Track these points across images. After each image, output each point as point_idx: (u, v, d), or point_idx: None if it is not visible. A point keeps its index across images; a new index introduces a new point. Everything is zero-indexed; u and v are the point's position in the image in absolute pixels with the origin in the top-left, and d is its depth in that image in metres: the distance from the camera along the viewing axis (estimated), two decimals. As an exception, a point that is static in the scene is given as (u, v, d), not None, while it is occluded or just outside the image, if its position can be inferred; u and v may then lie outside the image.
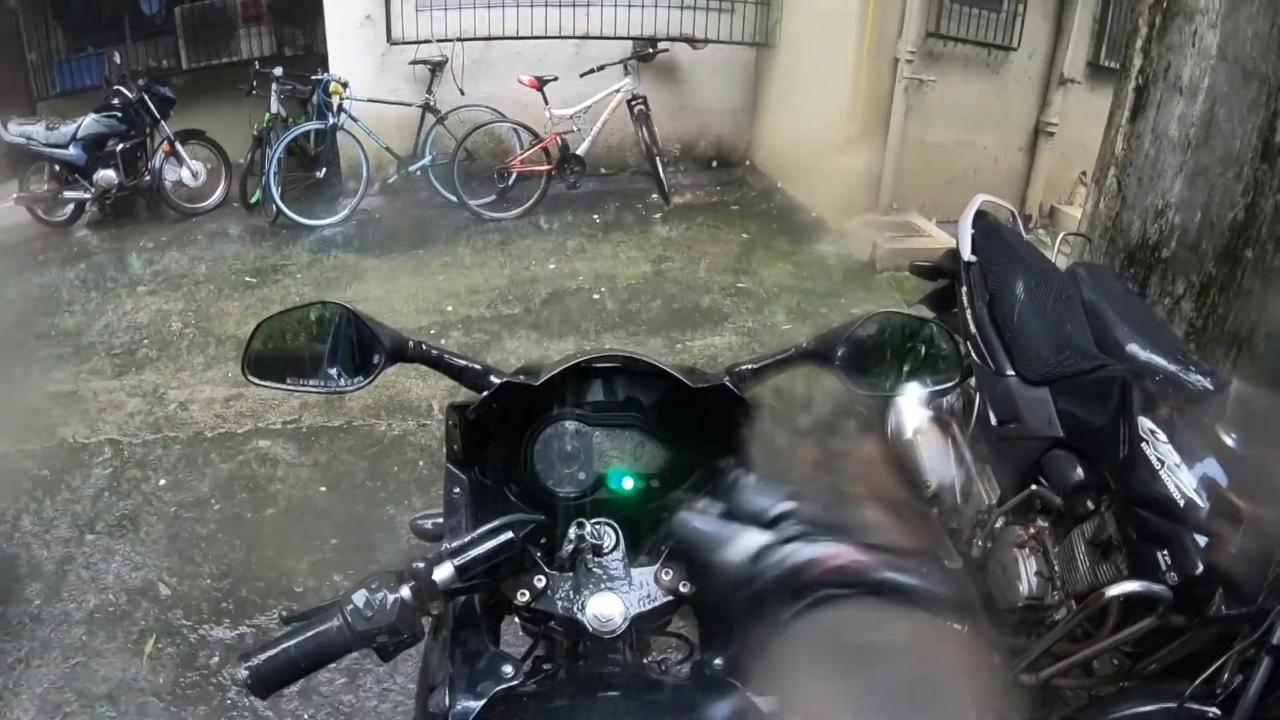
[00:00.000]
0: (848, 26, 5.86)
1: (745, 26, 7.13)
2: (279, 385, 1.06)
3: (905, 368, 1.11)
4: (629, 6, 6.84)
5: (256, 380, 1.05)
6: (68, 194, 6.57)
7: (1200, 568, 1.55)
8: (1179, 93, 2.81)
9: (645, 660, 1.01)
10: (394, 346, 1.05)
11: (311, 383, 1.05)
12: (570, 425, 1.09)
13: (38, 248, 6.40)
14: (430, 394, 3.99)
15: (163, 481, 3.54)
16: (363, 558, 3.01)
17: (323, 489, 3.49)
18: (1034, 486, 2.02)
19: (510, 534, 0.89)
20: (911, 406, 2.48)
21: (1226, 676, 1.55)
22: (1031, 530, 2.01)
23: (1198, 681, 1.53)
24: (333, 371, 1.05)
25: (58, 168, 6.50)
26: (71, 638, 2.76)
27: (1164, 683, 1.68)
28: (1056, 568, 1.93)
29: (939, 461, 2.39)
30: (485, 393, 1.05)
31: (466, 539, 0.89)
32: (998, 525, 2.11)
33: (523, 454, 1.09)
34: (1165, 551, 1.62)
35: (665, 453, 1.10)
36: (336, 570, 2.97)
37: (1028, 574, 1.96)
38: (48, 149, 6.42)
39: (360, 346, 1.05)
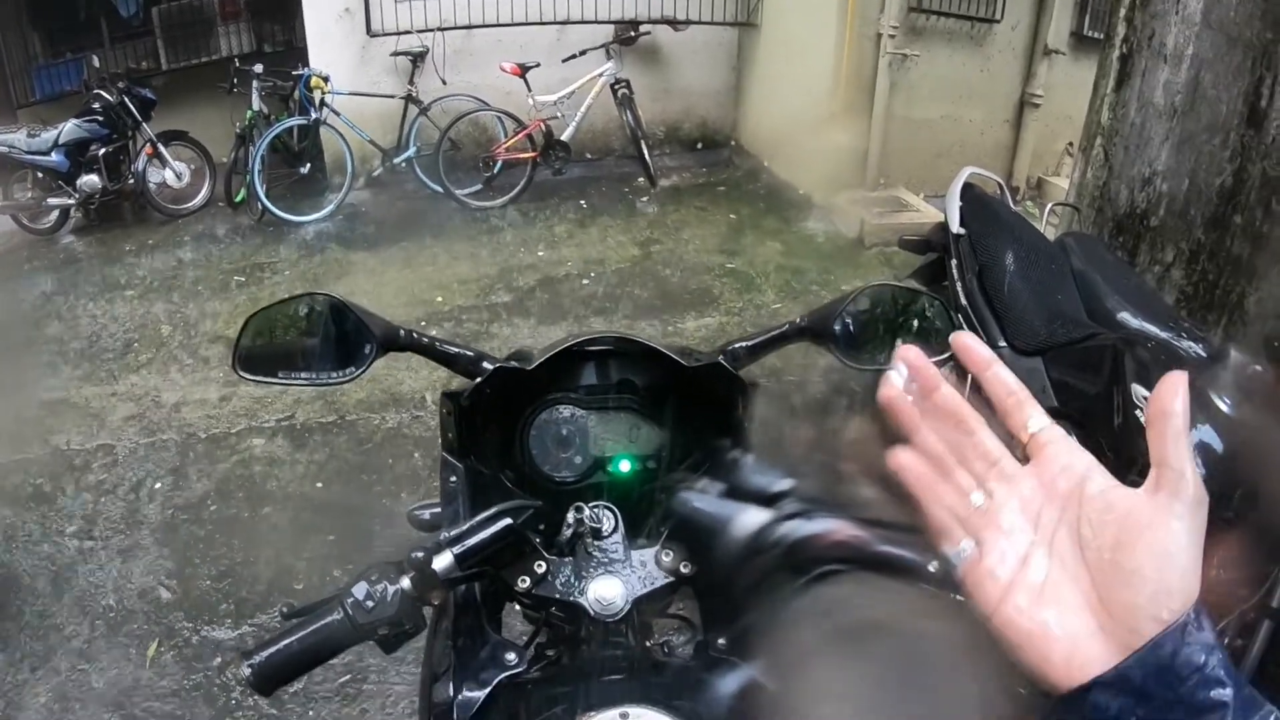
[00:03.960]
0: (829, 3, 5.85)
1: (727, 6, 7.11)
2: (271, 380, 1.04)
3: (900, 340, 1.10)
4: (609, -10, 6.81)
5: (248, 375, 1.03)
6: (52, 201, 6.51)
7: (1198, 532, 1.55)
8: (1164, 60, 2.81)
9: (648, 643, 1.01)
10: (385, 336, 1.03)
11: (303, 375, 1.04)
12: (565, 409, 1.08)
13: (24, 256, 6.34)
14: (423, 386, 3.98)
15: (158, 485, 3.52)
16: (361, 551, 3.00)
17: (319, 485, 3.48)
18: (1030, 457, 2.02)
19: (509, 520, 0.87)
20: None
21: (1227, 640, 1.56)
22: (1029, 501, 2.00)
23: (1198, 645, 1.53)
24: (324, 363, 1.04)
25: (41, 175, 6.45)
26: (74, 644, 2.75)
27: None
28: (1055, 537, 1.93)
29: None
30: (478, 379, 1.04)
31: (465, 527, 0.88)
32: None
33: (518, 440, 1.08)
34: (1163, 517, 1.62)
35: (662, 434, 1.09)
36: (335, 565, 2.96)
37: (1026, 544, 1.96)
38: (30, 156, 6.36)
39: (351, 337, 1.03)
